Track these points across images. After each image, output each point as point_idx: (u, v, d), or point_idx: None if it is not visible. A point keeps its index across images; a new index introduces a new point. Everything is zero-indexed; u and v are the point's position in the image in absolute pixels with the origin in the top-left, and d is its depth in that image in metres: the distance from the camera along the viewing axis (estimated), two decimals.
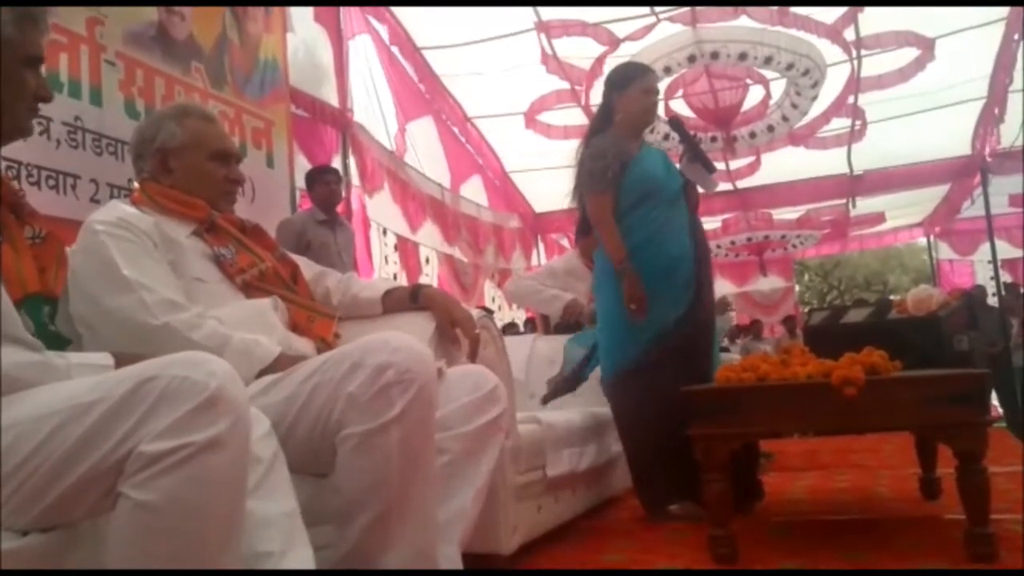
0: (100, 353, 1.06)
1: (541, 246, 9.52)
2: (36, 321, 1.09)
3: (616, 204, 2.56)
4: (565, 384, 2.94)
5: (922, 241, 11.59)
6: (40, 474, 0.82)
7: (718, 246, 9.54)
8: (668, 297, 2.51)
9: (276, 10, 4.44)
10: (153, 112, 2.05)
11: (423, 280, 6.62)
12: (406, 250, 6.32)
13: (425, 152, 6.66)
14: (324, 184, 4.13)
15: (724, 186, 8.29)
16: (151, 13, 3.14)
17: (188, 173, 1.47)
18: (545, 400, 2.93)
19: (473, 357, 1.57)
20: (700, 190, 2.81)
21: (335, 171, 4.42)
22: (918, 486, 2.54)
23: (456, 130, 7.32)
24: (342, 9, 5.43)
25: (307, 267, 1.65)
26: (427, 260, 6.87)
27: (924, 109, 7.17)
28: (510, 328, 6.99)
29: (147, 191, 1.46)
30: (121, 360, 1.02)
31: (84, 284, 1.31)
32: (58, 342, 1.18)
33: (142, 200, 1.44)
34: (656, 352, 2.49)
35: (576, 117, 6.88)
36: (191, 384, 0.82)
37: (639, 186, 2.56)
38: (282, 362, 1.29)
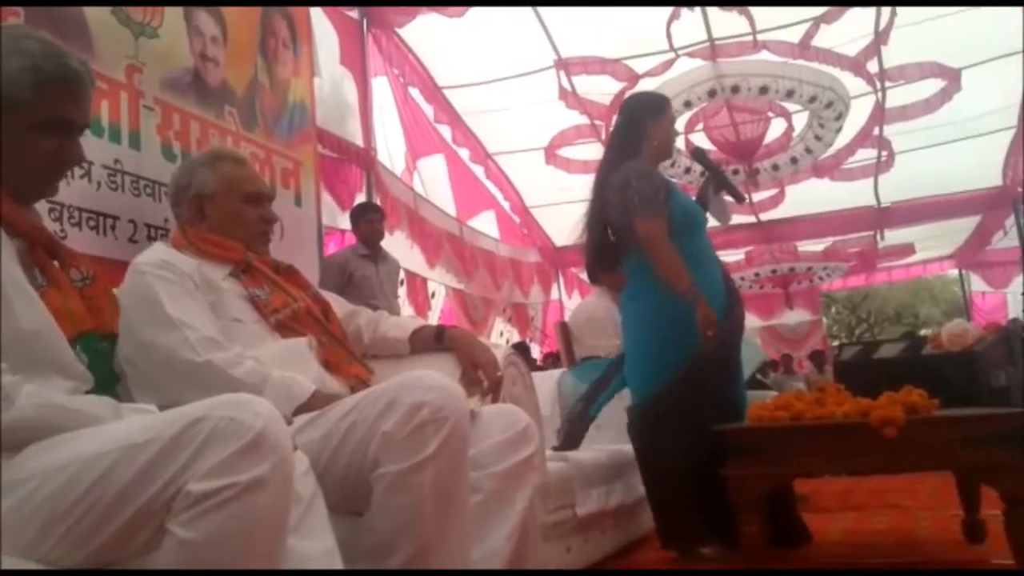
0: (146, 404, 1.09)
1: (561, 279, 9.53)
2: (92, 358, 1.12)
3: None
4: (573, 429, 2.84)
5: (953, 273, 11.44)
6: (94, 512, 0.83)
7: (742, 278, 9.45)
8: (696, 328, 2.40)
9: (304, 54, 4.61)
10: (187, 159, 2.12)
11: (429, 314, 6.63)
12: (414, 285, 6.32)
13: (432, 188, 6.70)
14: (367, 222, 4.36)
15: (747, 219, 8.24)
16: (187, 59, 3.28)
17: (223, 217, 1.53)
18: (561, 448, 2.84)
19: (495, 399, 1.56)
20: (714, 222, 2.75)
21: (378, 208, 4.62)
22: (960, 528, 2.44)
23: (479, 166, 7.39)
24: (366, 50, 5.54)
25: (339, 305, 1.69)
26: (433, 295, 6.88)
27: (952, 139, 7.12)
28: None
29: (186, 235, 1.52)
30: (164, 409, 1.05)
31: (130, 323, 1.35)
32: (112, 380, 1.22)
33: (182, 243, 1.50)
34: (685, 383, 2.39)
35: (596, 152, 6.91)
36: (237, 425, 0.84)
37: (679, 218, 2.47)
38: (318, 399, 1.33)
